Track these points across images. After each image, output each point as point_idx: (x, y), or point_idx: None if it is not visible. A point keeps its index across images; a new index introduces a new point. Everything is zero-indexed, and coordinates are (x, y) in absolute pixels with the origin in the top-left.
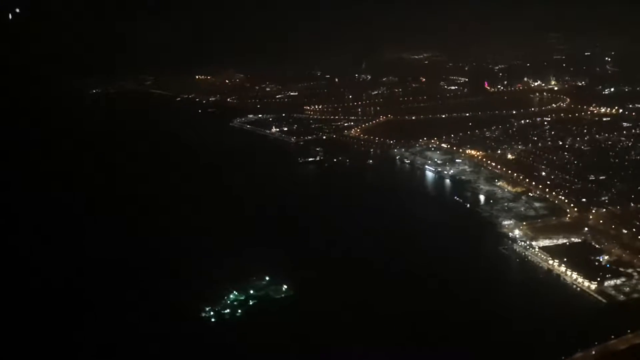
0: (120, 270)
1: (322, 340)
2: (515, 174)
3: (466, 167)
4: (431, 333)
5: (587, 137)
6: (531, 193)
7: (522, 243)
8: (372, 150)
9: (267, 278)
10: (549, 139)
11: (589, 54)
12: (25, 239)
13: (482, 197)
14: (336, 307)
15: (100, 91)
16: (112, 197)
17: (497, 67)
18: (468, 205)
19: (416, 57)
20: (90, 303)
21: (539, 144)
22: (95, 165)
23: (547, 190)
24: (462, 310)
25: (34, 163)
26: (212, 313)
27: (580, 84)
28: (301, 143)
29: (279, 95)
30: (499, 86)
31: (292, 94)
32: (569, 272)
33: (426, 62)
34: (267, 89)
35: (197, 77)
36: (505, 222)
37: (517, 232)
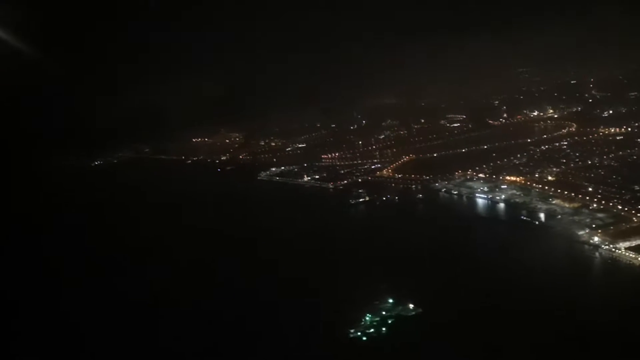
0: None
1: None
2: (565, 192)
3: (514, 191)
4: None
5: (612, 154)
6: (589, 206)
7: (605, 247)
8: (413, 186)
9: (391, 300)
10: (576, 160)
11: (574, 82)
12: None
13: (544, 215)
14: (469, 320)
15: (102, 163)
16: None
17: (496, 102)
18: (537, 223)
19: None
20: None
21: (571, 165)
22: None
23: (603, 202)
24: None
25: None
26: (359, 334)
27: (576, 110)
28: (340, 187)
29: (289, 148)
30: (500, 119)
31: (300, 145)
32: None
33: (423, 104)
34: (272, 144)
35: (193, 140)
36: (580, 232)
37: (595, 239)
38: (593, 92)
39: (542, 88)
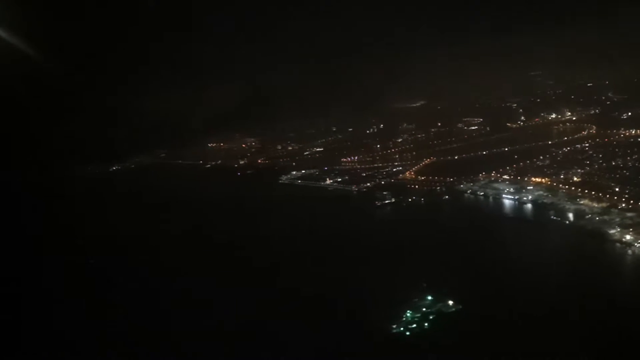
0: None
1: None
2: (592, 192)
3: (541, 192)
4: None
5: (635, 156)
6: (618, 206)
7: (638, 245)
8: (438, 188)
9: (430, 297)
10: (600, 161)
11: (590, 85)
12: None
13: (573, 215)
14: (511, 315)
15: (119, 168)
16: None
17: (514, 105)
18: (567, 222)
19: (414, 105)
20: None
21: (595, 166)
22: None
23: (631, 202)
24: None
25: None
26: (401, 329)
27: (594, 113)
28: (364, 190)
29: (306, 152)
30: (518, 122)
31: (318, 149)
32: None
33: (439, 107)
34: (289, 148)
35: (209, 145)
36: (612, 231)
37: (628, 237)
38: (609, 94)
39: (558, 91)
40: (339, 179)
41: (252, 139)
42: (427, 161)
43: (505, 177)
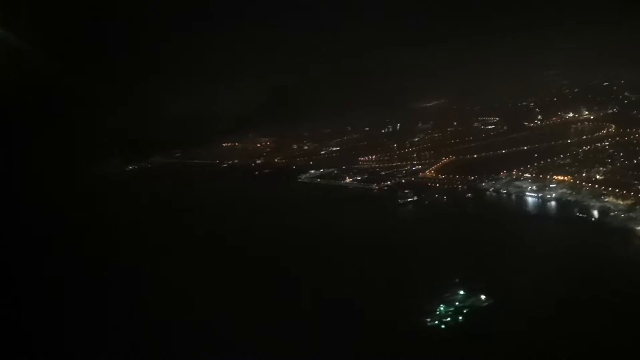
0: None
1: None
2: (616, 190)
3: (564, 190)
4: None
5: None
6: None
7: None
8: (459, 186)
9: (462, 292)
10: (622, 159)
11: (607, 84)
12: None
13: (598, 212)
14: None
15: (136, 167)
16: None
17: (530, 104)
18: (593, 219)
19: (427, 104)
20: None
21: (617, 164)
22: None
23: None
24: None
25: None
26: (436, 322)
27: (612, 112)
28: (385, 188)
29: (323, 152)
30: (535, 121)
31: (334, 149)
32: None
33: (454, 107)
34: (305, 147)
35: (223, 144)
36: (638, 228)
37: None
38: (626, 93)
39: (575, 90)
40: (359, 178)
41: (267, 139)
42: (446, 160)
43: (527, 175)
